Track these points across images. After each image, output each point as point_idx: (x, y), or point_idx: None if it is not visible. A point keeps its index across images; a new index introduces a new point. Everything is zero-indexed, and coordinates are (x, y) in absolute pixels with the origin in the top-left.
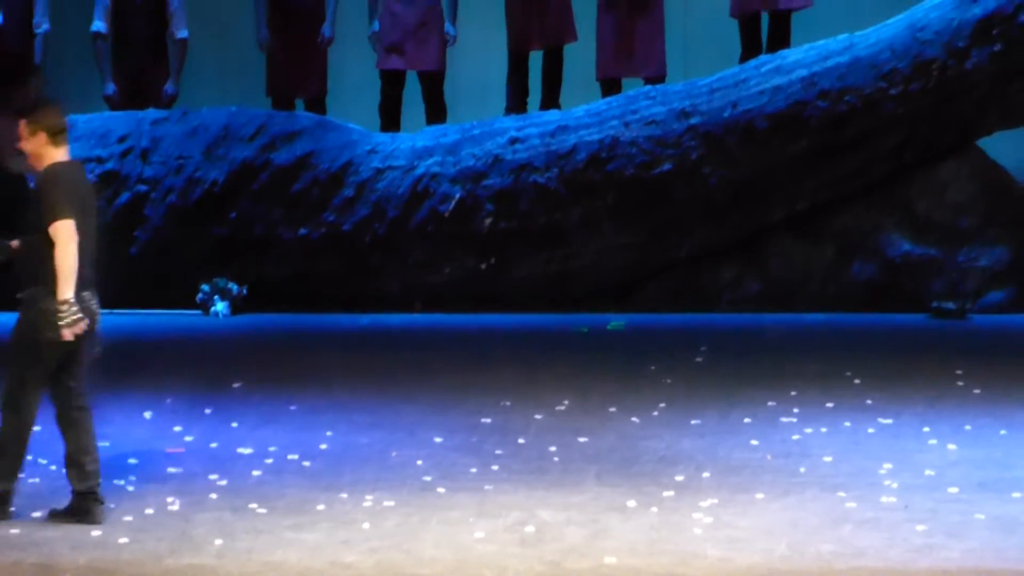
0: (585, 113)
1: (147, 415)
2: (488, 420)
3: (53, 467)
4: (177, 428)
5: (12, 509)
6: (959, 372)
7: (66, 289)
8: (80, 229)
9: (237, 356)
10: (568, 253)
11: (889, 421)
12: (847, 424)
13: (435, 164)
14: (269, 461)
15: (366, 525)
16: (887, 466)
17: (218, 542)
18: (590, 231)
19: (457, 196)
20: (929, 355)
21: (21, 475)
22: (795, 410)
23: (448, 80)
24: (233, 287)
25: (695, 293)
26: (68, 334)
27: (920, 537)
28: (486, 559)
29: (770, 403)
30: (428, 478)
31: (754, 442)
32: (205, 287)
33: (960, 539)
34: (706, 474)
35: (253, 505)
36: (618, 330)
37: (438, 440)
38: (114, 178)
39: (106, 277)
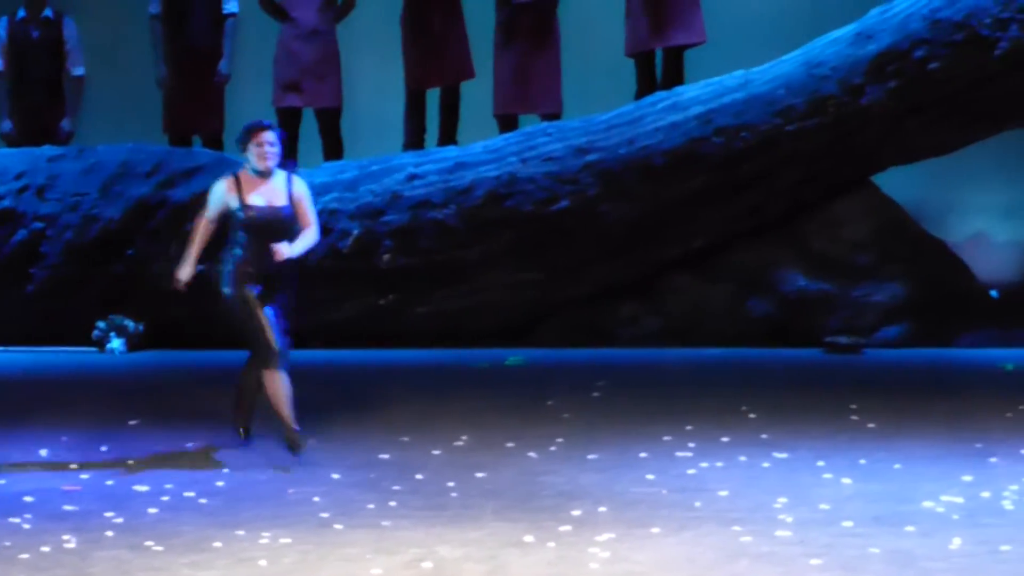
0: (483, 149)
1: (43, 452)
2: (386, 456)
3: None
4: (73, 466)
5: None
6: (854, 407)
7: None
8: None
9: (133, 393)
10: (467, 290)
11: (784, 455)
12: (743, 459)
13: (333, 200)
14: (166, 499)
15: (263, 562)
16: (782, 500)
17: None
18: (489, 268)
19: (356, 233)
20: (824, 390)
21: None
22: (691, 445)
23: (345, 116)
24: (129, 324)
25: (594, 330)
26: None
27: (816, 571)
28: None
29: (666, 438)
30: (325, 515)
31: (650, 477)
32: (101, 324)
33: (856, 573)
34: (603, 509)
35: (150, 543)
36: (517, 365)
37: (335, 476)
38: (10, 215)
39: (2, 314)
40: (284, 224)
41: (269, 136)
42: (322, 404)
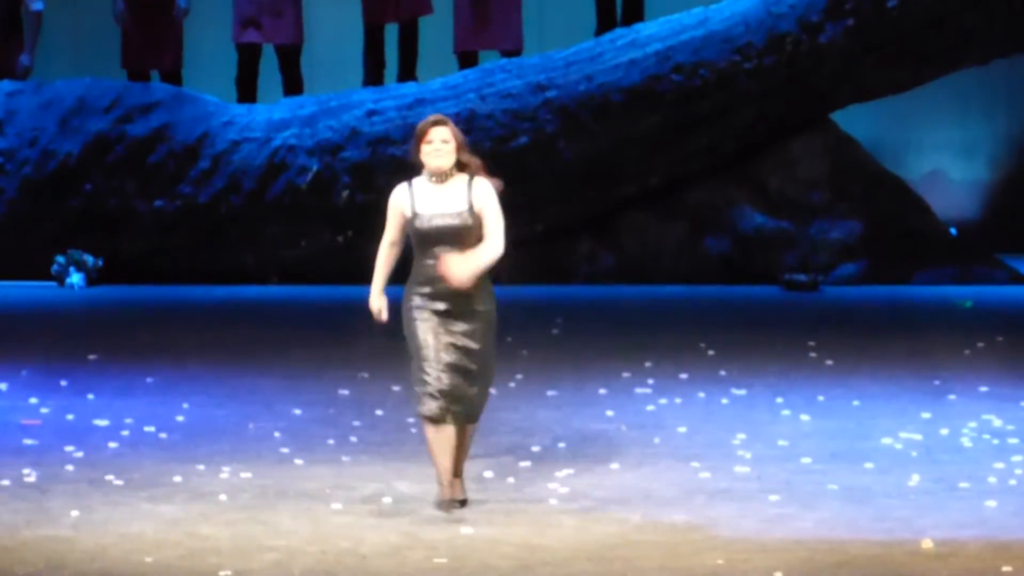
0: (442, 86)
1: (2, 387)
2: (346, 392)
3: None
4: (33, 400)
5: None
6: (811, 344)
7: None
8: None
9: (92, 328)
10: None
11: (743, 392)
12: (701, 395)
13: (292, 136)
14: (125, 433)
15: (223, 497)
16: (741, 437)
17: (74, 514)
18: None
19: (314, 169)
20: (782, 327)
21: None
22: (650, 381)
23: (304, 53)
24: (88, 259)
25: (551, 267)
26: None
27: (773, 507)
28: (343, 530)
29: (625, 374)
30: (285, 450)
31: (609, 413)
32: (60, 259)
33: (813, 509)
34: (562, 445)
35: (109, 477)
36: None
37: (296, 412)
38: None
39: None
40: (459, 235)
41: (440, 132)
42: (281, 340)
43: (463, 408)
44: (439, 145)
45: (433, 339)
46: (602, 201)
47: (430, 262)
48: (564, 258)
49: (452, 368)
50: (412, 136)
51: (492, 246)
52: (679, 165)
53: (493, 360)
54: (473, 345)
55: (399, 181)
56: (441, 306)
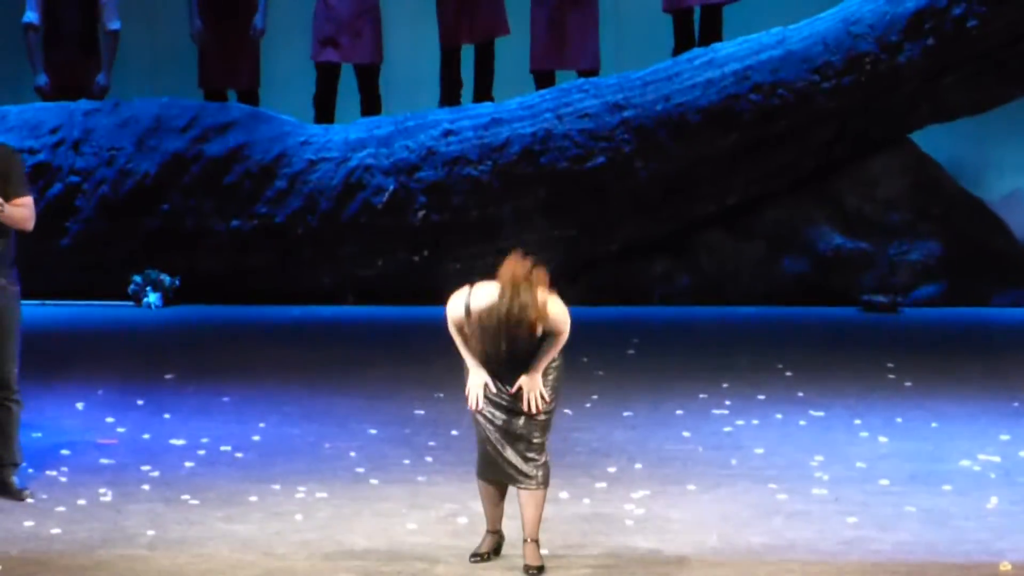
0: (518, 106)
1: (79, 406)
2: (421, 412)
3: None
4: (109, 419)
5: None
6: (890, 365)
7: None
8: None
9: (169, 347)
10: (500, 246)
11: (820, 414)
12: (778, 416)
13: (368, 156)
14: (201, 452)
15: (298, 516)
16: (818, 458)
17: (150, 533)
18: (522, 224)
19: (391, 188)
20: (860, 348)
21: None
22: (727, 402)
23: (382, 73)
24: (165, 278)
25: (627, 287)
26: None
27: (851, 529)
28: (418, 550)
29: (702, 395)
30: (361, 470)
31: (686, 434)
32: (137, 278)
33: (891, 531)
34: (638, 466)
35: (185, 496)
36: None
37: (371, 432)
38: (46, 169)
39: (38, 268)
40: (526, 353)
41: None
42: (356, 360)
43: (517, 478)
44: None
45: (488, 412)
46: (679, 221)
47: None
48: (640, 278)
49: (503, 440)
50: (488, 163)
51: (559, 342)
52: (756, 184)
53: (555, 407)
54: (525, 408)
55: (475, 201)
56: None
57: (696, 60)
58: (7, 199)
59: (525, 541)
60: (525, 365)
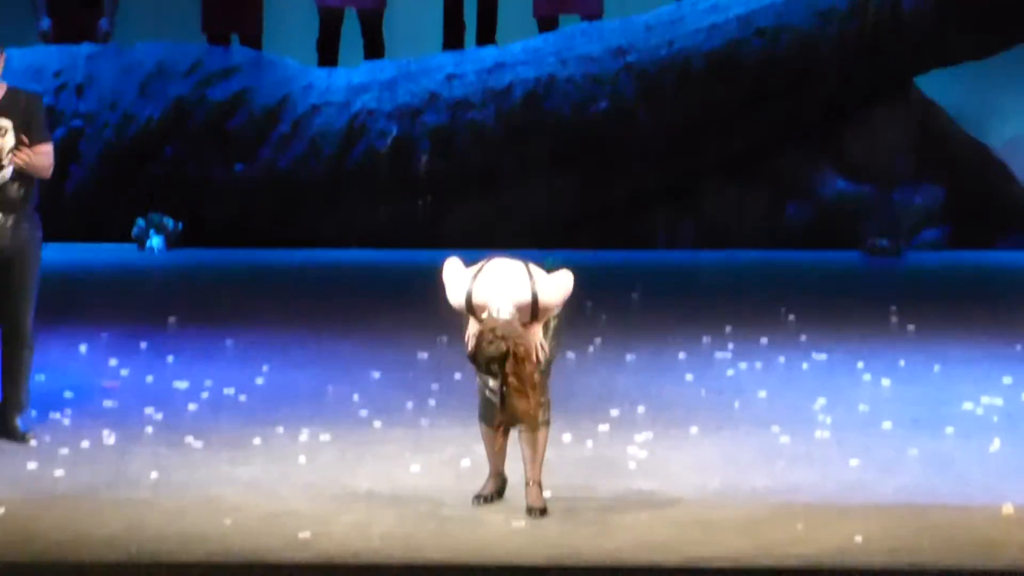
0: (522, 50)
1: (83, 349)
2: (424, 356)
3: None
4: (113, 362)
5: None
6: (893, 309)
7: None
8: None
9: (172, 291)
10: (504, 192)
11: (823, 357)
12: (781, 360)
13: (372, 100)
14: (205, 395)
15: (302, 460)
16: (821, 402)
17: (153, 476)
18: (526, 170)
19: (394, 133)
20: (863, 293)
21: None
22: (730, 346)
23: (385, 16)
24: (169, 222)
25: (631, 234)
26: None
27: (853, 473)
28: (421, 493)
29: (705, 339)
30: (364, 413)
31: (689, 378)
32: (141, 222)
33: (893, 475)
34: (641, 409)
35: (189, 439)
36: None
37: (374, 376)
38: (49, 113)
39: (41, 211)
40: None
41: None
42: (360, 305)
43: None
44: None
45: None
46: (683, 167)
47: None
48: (644, 224)
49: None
50: (491, 106)
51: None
52: (761, 131)
53: (556, 352)
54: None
55: (478, 147)
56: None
57: (700, 5)
58: (28, 144)
59: (528, 483)
60: None
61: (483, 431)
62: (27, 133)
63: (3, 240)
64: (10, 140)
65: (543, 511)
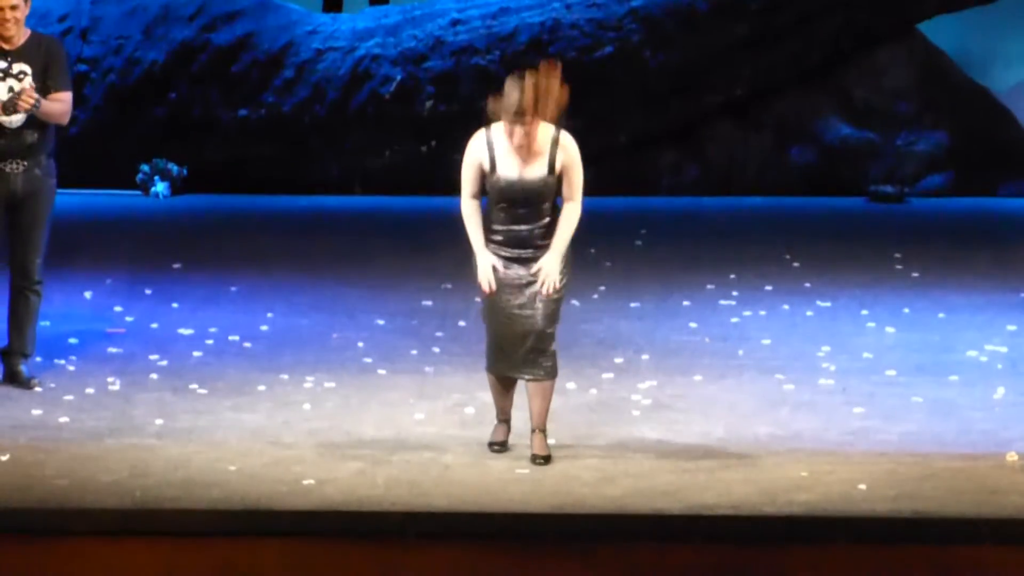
0: None
1: (87, 295)
2: (429, 303)
3: None
4: (118, 308)
5: None
6: (897, 256)
7: None
8: None
9: (177, 237)
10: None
11: (827, 304)
12: (785, 307)
13: (376, 46)
14: (210, 342)
15: (307, 406)
16: (825, 349)
17: (159, 422)
18: None
19: (398, 78)
20: (867, 239)
21: None
22: (734, 293)
23: None
24: (173, 168)
25: (635, 178)
26: None
27: (857, 420)
28: (426, 440)
29: (709, 286)
30: (368, 360)
31: (693, 325)
32: (145, 167)
33: (897, 422)
34: (645, 356)
35: (193, 386)
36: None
37: (379, 322)
38: None
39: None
40: (540, 195)
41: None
42: (364, 250)
43: (526, 371)
44: (521, 139)
45: (491, 301)
46: (687, 111)
47: (504, 215)
48: (648, 169)
49: (510, 333)
50: (496, 52)
51: (574, 214)
52: (764, 75)
53: (563, 298)
54: (541, 291)
55: (483, 92)
56: (512, 252)
57: None
58: (48, 91)
59: (533, 431)
60: (540, 225)
61: (490, 380)
62: (46, 79)
63: (15, 185)
64: (27, 85)
65: (547, 459)
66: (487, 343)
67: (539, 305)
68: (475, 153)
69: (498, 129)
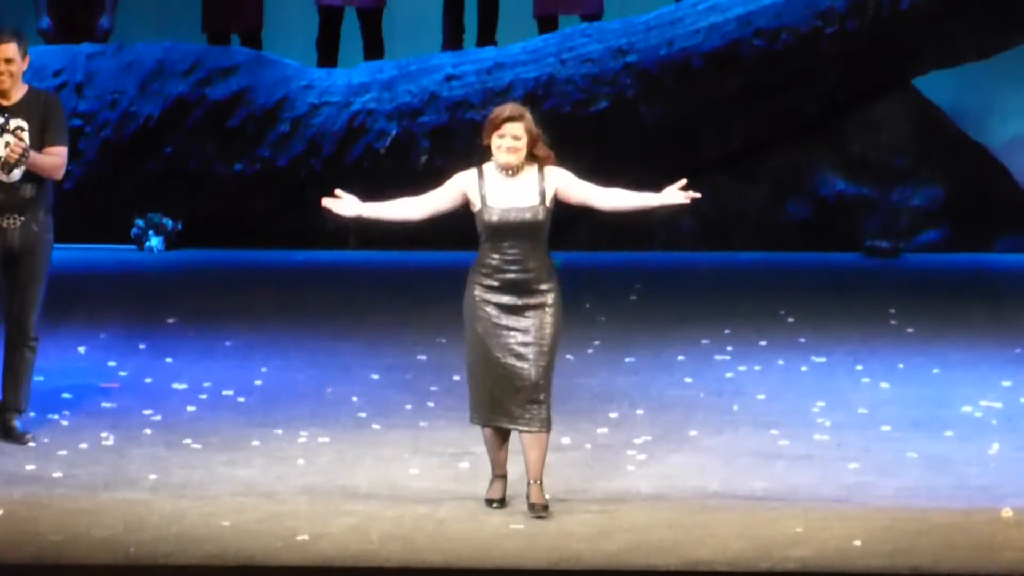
0: (521, 50)
1: (81, 350)
2: (423, 357)
3: None
4: (112, 363)
5: None
6: (892, 311)
7: None
8: None
9: (172, 291)
10: None
11: (822, 359)
12: (780, 362)
13: (371, 100)
14: (204, 397)
15: (301, 461)
16: (820, 404)
17: (152, 477)
18: None
19: (393, 133)
20: (862, 294)
21: None
22: (729, 348)
23: (384, 16)
24: (168, 222)
25: (630, 232)
26: None
27: (852, 475)
28: (420, 495)
29: (704, 341)
30: (363, 414)
31: (688, 380)
32: (140, 222)
33: (892, 477)
34: (640, 411)
35: (187, 440)
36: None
37: (373, 377)
38: None
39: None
40: (531, 229)
41: (513, 128)
42: (359, 304)
43: (521, 423)
44: (511, 142)
45: (484, 351)
46: (682, 165)
47: (496, 256)
48: (643, 222)
49: (505, 384)
50: (491, 107)
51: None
52: (760, 129)
53: (557, 347)
54: (536, 341)
55: (477, 146)
56: (505, 299)
57: (700, 5)
58: (44, 145)
59: (529, 483)
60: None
61: (485, 434)
62: (44, 133)
63: (13, 240)
64: (25, 141)
65: (546, 508)
66: (473, 394)
67: (533, 355)
68: (463, 180)
69: (489, 167)
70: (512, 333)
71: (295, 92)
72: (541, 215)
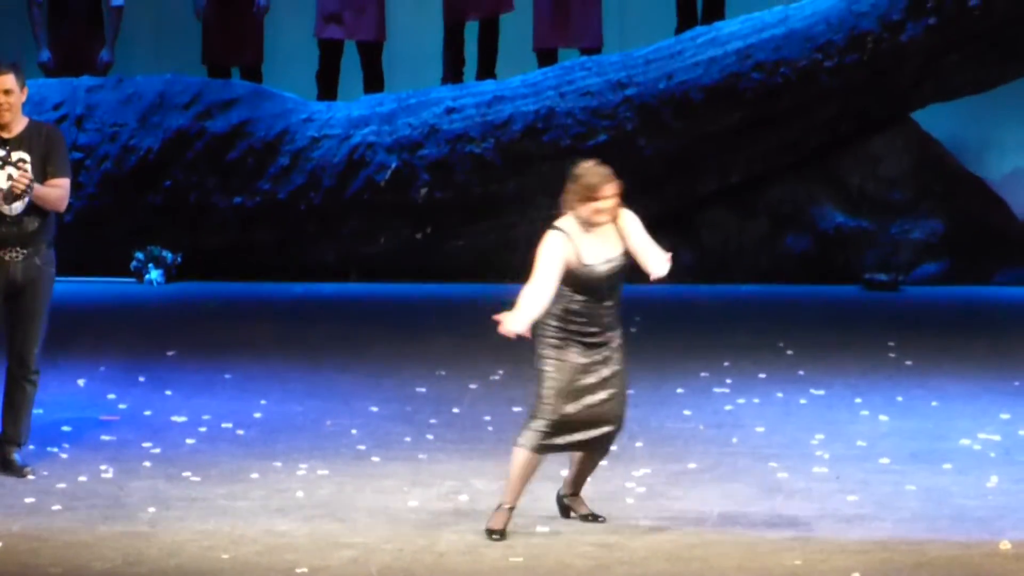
0: (521, 83)
1: (81, 382)
2: (423, 390)
3: None
4: (111, 396)
5: None
6: (891, 344)
7: None
8: None
9: (171, 324)
10: (503, 224)
11: (821, 392)
12: (779, 395)
13: (371, 133)
14: (203, 429)
15: (300, 494)
16: (819, 437)
17: (151, 510)
18: (525, 202)
19: (393, 166)
20: (861, 327)
21: None
22: (728, 381)
23: (385, 50)
24: (167, 255)
25: (630, 265)
26: None
27: (851, 508)
28: (420, 528)
29: (703, 374)
30: (362, 447)
31: (687, 412)
32: (139, 255)
33: (891, 510)
34: (639, 444)
35: (187, 473)
36: None
37: (373, 409)
38: None
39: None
40: (622, 276)
41: (613, 189)
42: (359, 337)
43: (597, 453)
44: (610, 204)
45: (561, 385)
46: (682, 198)
47: (590, 307)
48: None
49: (589, 420)
50: (490, 135)
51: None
52: (759, 162)
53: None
54: (611, 390)
55: (478, 179)
56: (590, 337)
57: (699, 38)
58: (46, 178)
59: (576, 495)
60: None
61: (532, 461)
62: (46, 166)
63: (15, 273)
64: (29, 173)
65: (597, 517)
66: (542, 422)
67: (613, 390)
68: (562, 249)
69: (568, 222)
70: (595, 367)
71: (295, 125)
72: (627, 259)
